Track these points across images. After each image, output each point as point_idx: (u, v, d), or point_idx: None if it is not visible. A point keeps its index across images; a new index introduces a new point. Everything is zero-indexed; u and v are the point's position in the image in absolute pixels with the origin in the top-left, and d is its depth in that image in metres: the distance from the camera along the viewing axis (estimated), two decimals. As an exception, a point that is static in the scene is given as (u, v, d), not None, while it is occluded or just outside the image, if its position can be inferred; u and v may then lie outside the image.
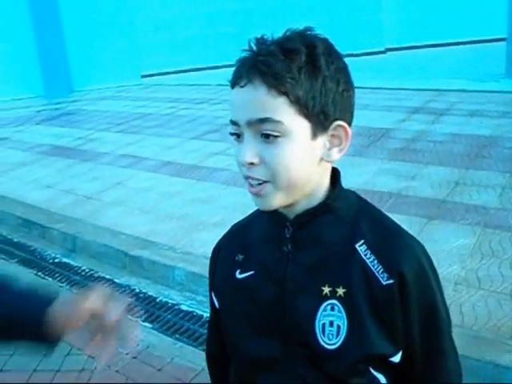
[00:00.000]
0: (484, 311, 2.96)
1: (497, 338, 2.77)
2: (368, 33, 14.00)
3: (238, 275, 1.04)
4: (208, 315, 3.57)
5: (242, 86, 0.92)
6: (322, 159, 0.94)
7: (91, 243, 4.41)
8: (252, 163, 0.91)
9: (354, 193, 1.03)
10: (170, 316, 3.47)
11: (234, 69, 0.96)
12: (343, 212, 0.98)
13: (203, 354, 3.03)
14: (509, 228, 3.86)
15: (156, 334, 3.28)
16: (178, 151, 6.90)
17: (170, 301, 3.65)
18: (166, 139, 7.57)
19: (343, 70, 0.95)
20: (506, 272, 3.31)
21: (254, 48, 0.93)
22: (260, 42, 0.93)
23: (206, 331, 3.26)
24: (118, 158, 6.87)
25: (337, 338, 0.93)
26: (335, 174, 1.00)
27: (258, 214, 1.06)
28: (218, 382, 1.26)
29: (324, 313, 0.95)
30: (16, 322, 1.09)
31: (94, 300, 1.06)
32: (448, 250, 3.62)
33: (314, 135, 0.92)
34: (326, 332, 0.94)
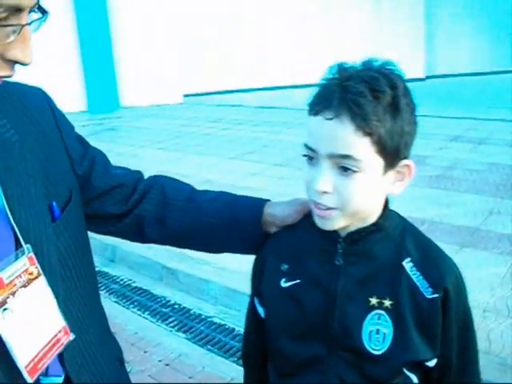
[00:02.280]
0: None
1: (523, 366, 2.79)
2: (408, 59, 14.07)
3: (283, 284, 1.11)
4: (239, 328, 3.65)
5: (329, 119, 0.94)
6: (385, 191, 1.03)
7: (130, 254, 4.58)
8: (325, 192, 0.97)
9: (396, 212, 1.11)
10: (202, 328, 3.59)
11: (316, 94, 0.99)
12: (391, 230, 1.07)
13: (233, 365, 3.17)
14: (541, 259, 3.87)
15: (189, 344, 3.40)
16: (216, 170, 7.06)
17: (203, 313, 3.77)
18: (205, 158, 7.76)
19: (414, 111, 1.00)
20: (535, 302, 3.32)
21: (338, 77, 0.96)
22: (343, 72, 0.97)
23: (236, 344, 3.37)
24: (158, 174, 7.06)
25: (382, 344, 1.02)
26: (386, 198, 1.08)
27: (304, 226, 1.12)
28: (252, 372, 1.33)
29: (371, 321, 1.03)
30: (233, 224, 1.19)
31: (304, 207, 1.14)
32: (478, 278, 3.65)
33: (385, 171, 0.99)
34: (373, 339, 1.02)
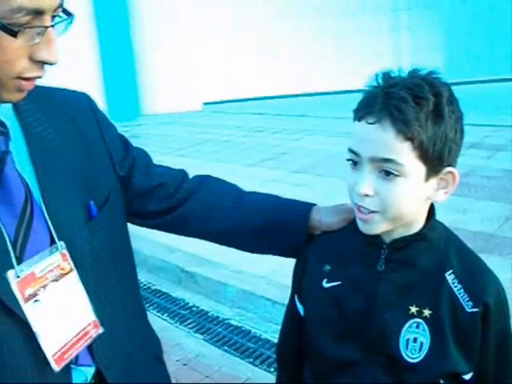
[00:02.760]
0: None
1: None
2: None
3: (325, 284, 1.13)
4: (255, 330, 3.73)
5: (371, 123, 0.97)
6: (428, 198, 1.04)
7: (150, 258, 4.69)
8: (367, 195, 1.00)
9: (441, 223, 1.12)
10: (220, 329, 3.68)
11: (360, 101, 1.03)
12: (435, 241, 1.08)
13: (248, 365, 3.25)
14: (556, 264, 3.90)
15: (206, 345, 3.50)
16: (235, 176, 7.10)
17: (220, 315, 3.86)
18: (224, 165, 7.86)
19: (460, 120, 1.02)
20: (549, 307, 3.36)
21: (382, 84, 1.00)
22: (389, 79, 1.00)
23: (252, 345, 3.46)
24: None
25: (419, 353, 1.03)
26: (431, 207, 1.09)
27: (348, 230, 1.15)
28: (285, 370, 1.35)
29: (409, 329, 1.04)
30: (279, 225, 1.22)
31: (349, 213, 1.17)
32: (492, 283, 3.69)
33: (427, 178, 1.00)
34: (410, 347, 1.04)
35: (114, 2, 13.11)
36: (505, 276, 3.77)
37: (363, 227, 1.05)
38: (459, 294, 1.04)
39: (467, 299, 1.04)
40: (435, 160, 0.99)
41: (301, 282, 1.20)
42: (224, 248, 4.16)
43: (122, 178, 1.16)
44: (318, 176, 6.66)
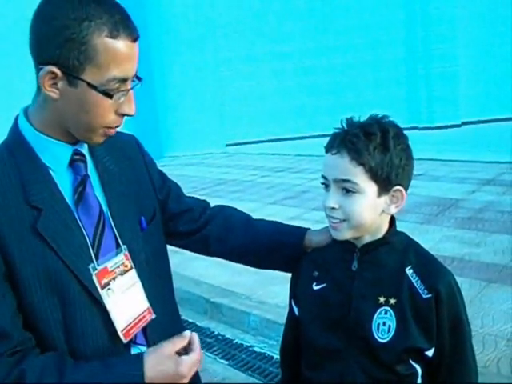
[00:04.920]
0: (532, 365, 3.19)
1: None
2: (444, 106, 14.27)
3: (315, 287, 1.39)
4: (277, 356, 3.95)
5: (333, 154, 1.27)
6: (383, 211, 1.30)
7: (177, 290, 4.85)
8: (333, 208, 1.28)
9: (403, 233, 1.39)
10: (244, 356, 3.89)
11: (329, 139, 1.32)
12: (397, 244, 1.35)
13: (271, 388, 3.42)
14: None
15: (231, 370, 3.71)
16: (257, 215, 7.21)
17: (244, 343, 4.08)
18: (246, 203, 8.12)
19: (406, 150, 1.29)
20: (557, 332, 3.52)
21: (345, 127, 1.29)
22: (349, 122, 1.30)
23: (275, 370, 3.67)
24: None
25: (387, 333, 1.27)
26: (393, 219, 1.36)
27: (331, 244, 1.41)
28: (287, 368, 1.60)
29: (379, 315, 1.29)
30: (279, 246, 1.51)
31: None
32: (504, 311, 3.85)
33: (379, 194, 1.27)
34: (380, 329, 1.28)
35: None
36: (516, 304, 3.95)
37: (334, 234, 1.33)
38: (417, 284, 1.29)
39: (423, 288, 1.28)
40: (384, 181, 1.26)
41: (295, 288, 1.48)
42: (246, 279, 4.54)
43: (160, 201, 1.45)
44: (336, 213, 6.88)
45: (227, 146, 15.07)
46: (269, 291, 4.59)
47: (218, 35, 15.16)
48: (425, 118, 14.40)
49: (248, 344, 4.06)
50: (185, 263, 5.57)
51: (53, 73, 1.08)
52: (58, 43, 1.06)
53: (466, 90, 14.29)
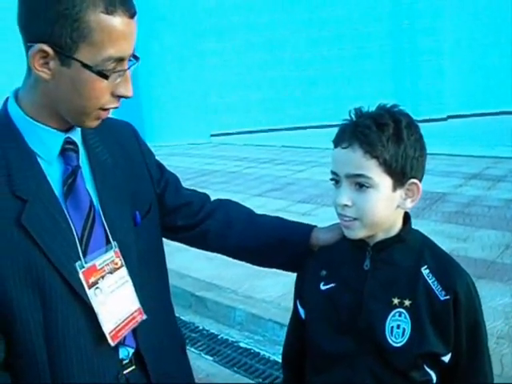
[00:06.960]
0: (523, 363, 3.15)
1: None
2: (430, 100, 14.31)
3: (322, 287, 1.30)
4: (263, 352, 3.88)
5: (344, 148, 1.19)
6: (398, 206, 1.22)
7: (161, 283, 4.83)
8: (346, 205, 1.19)
9: (417, 230, 1.31)
10: (229, 351, 3.80)
11: (337, 132, 1.24)
12: (411, 242, 1.26)
13: (257, 386, 3.34)
14: (555, 290, 4.03)
15: (216, 366, 3.62)
16: None
17: (230, 338, 3.99)
18: (231, 195, 7.98)
19: (420, 140, 1.22)
20: (547, 330, 3.48)
21: (354, 118, 1.21)
22: (358, 113, 1.21)
23: (261, 366, 3.59)
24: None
25: (402, 337, 1.19)
26: (407, 216, 1.28)
27: (340, 241, 1.32)
28: (290, 371, 1.50)
29: (393, 318, 1.20)
30: (283, 244, 1.42)
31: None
32: (493, 307, 3.82)
33: (394, 189, 1.19)
34: (394, 333, 1.19)
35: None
36: (505, 301, 3.92)
37: (347, 233, 1.25)
38: (433, 285, 1.21)
39: (440, 289, 1.20)
40: (399, 173, 1.18)
41: (301, 289, 1.38)
42: (232, 273, 4.42)
43: (158, 195, 1.36)
44: (322, 206, 6.84)
45: (212, 136, 14.96)
46: (255, 285, 4.51)
47: (204, 23, 14.99)
48: (410, 111, 14.34)
49: (233, 339, 3.97)
50: (169, 255, 5.45)
51: (44, 51, 0.98)
52: (49, 19, 0.96)
53: (452, 83, 14.34)
